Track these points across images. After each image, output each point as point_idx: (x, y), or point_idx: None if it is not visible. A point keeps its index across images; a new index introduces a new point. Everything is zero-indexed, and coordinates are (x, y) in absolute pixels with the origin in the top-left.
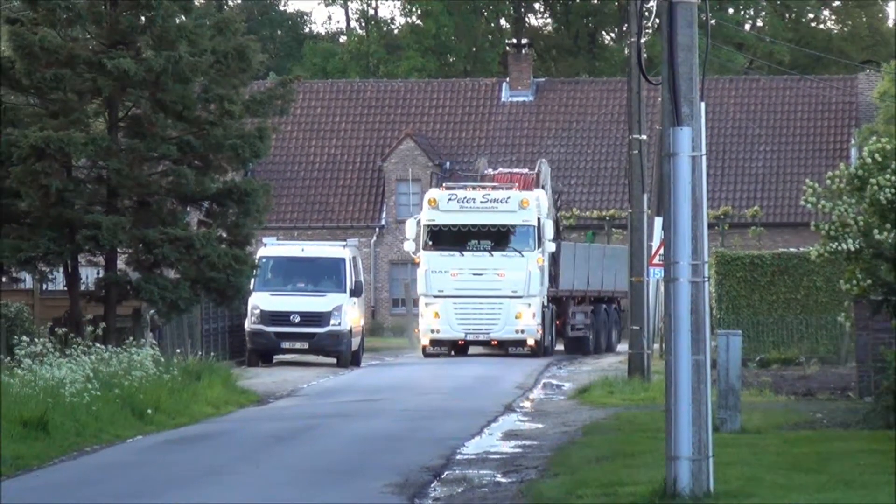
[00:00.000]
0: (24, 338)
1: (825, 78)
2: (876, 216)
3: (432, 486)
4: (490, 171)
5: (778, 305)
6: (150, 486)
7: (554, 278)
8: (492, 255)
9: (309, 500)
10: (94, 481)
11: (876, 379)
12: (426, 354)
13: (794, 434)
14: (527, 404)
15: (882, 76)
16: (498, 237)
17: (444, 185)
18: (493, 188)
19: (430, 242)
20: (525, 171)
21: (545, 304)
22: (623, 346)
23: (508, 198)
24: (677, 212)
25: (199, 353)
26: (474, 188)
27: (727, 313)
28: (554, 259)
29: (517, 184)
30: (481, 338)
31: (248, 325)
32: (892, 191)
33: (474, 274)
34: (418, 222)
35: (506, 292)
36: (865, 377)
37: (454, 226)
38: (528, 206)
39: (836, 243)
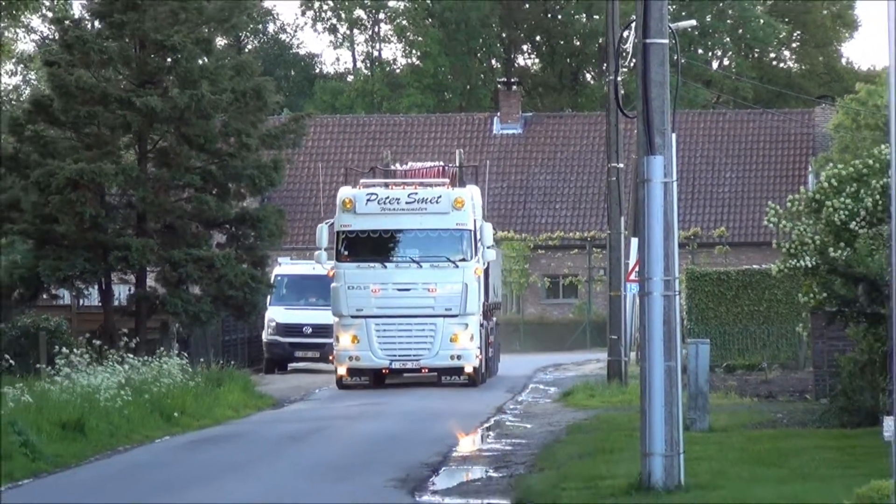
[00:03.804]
0: (64, 349)
1: (785, 112)
2: (831, 235)
3: (431, 480)
4: (398, 166)
5: (742, 317)
6: (177, 481)
7: (485, 290)
8: (420, 266)
9: (321, 493)
10: (126, 477)
11: (831, 382)
12: (342, 386)
13: (757, 432)
14: (516, 407)
15: (836, 110)
16: (428, 245)
17: (361, 182)
18: (421, 185)
19: (346, 252)
20: (440, 163)
21: (482, 322)
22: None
23: (439, 197)
24: (651, 233)
25: (221, 361)
26: (398, 185)
27: (696, 324)
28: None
29: (448, 179)
30: (409, 365)
31: (265, 336)
32: (846, 213)
33: (400, 290)
34: (331, 227)
35: (438, 311)
36: (821, 381)
37: (374, 232)
38: (463, 207)
39: (795, 260)
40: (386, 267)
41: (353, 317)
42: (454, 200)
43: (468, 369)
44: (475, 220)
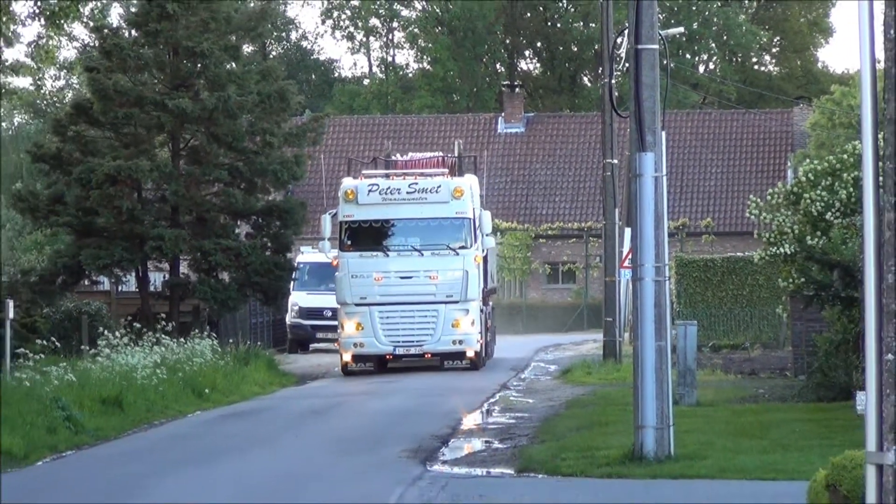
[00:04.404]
0: (105, 332)
1: (766, 111)
2: (808, 225)
3: (441, 451)
4: (399, 156)
5: (727, 300)
6: (208, 452)
7: (484, 276)
8: (422, 254)
9: (340, 463)
10: (162, 449)
11: (808, 360)
12: (347, 372)
13: (740, 406)
14: (519, 384)
15: (813, 109)
16: (428, 233)
17: (362, 173)
18: (421, 175)
19: (349, 242)
20: (439, 154)
21: (481, 307)
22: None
23: (439, 186)
24: (643, 223)
25: (248, 342)
26: (399, 176)
27: (685, 307)
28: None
29: (447, 169)
30: (413, 351)
31: (289, 319)
32: (822, 204)
33: (402, 277)
34: (334, 217)
35: (440, 297)
36: (799, 359)
37: (376, 221)
38: (462, 196)
39: (775, 248)
40: (388, 255)
41: (356, 305)
42: (453, 190)
43: (470, 354)
44: (474, 209)
